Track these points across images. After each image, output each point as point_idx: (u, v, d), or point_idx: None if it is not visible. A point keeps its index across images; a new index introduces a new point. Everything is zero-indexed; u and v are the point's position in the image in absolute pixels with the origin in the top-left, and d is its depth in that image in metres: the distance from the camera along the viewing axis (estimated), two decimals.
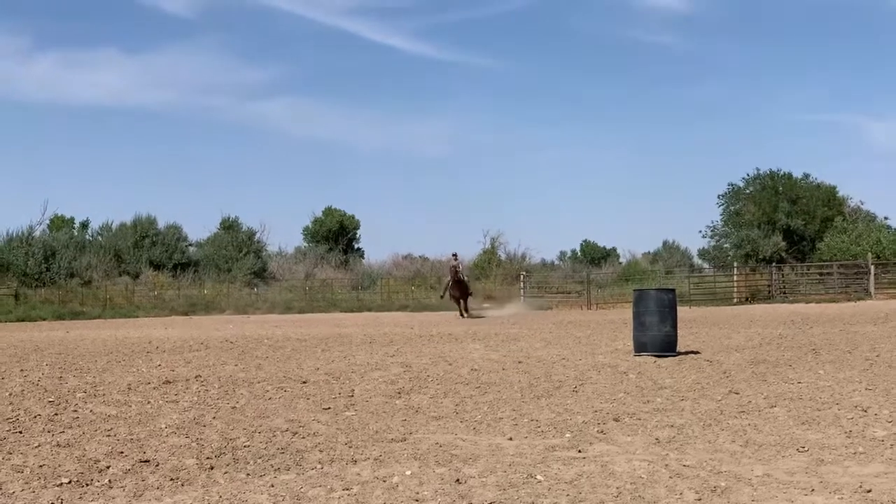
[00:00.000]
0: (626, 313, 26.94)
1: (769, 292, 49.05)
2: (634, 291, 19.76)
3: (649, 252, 71.57)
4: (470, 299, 40.82)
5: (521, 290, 54.84)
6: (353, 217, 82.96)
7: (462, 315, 38.99)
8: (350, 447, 9.46)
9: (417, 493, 7.46)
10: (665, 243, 72.28)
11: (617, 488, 7.50)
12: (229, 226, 75.04)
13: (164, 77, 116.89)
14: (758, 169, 61.35)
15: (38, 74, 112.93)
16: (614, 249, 79.34)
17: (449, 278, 40.15)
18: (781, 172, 60.49)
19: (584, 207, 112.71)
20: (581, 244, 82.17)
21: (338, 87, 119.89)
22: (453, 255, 42.19)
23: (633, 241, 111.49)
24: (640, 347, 18.55)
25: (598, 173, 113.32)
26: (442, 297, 42.23)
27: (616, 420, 10.94)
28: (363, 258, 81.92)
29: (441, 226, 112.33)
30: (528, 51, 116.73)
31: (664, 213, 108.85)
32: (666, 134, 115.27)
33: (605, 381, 14.59)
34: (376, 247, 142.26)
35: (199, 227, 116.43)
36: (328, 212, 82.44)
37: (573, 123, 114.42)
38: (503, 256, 69.27)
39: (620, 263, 69.61)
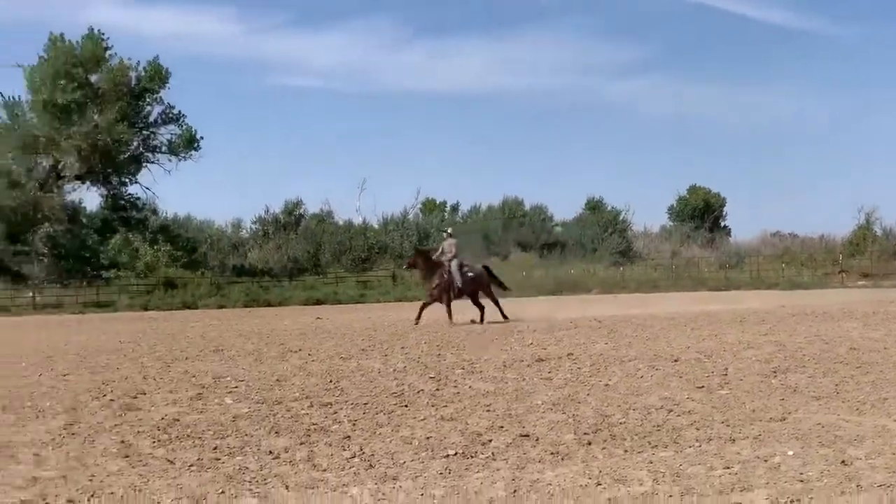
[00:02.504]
0: None
1: None
2: None
3: None
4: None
5: None
6: (718, 194, 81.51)
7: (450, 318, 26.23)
8: (727, 426, 9.32)
9: (801, 473, 7.26)
10: None
11: None
12: (594, 206, 75.60)
13: (526, 61, 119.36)
14: None
15: (407, 64, 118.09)
16: None
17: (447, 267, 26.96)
18: None
19: None
20: None
21: (700, 64, 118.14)
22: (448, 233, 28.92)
23: None
24: None
25: None
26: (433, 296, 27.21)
27: None
28: (730, 236, 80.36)
29: (810, 201, 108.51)
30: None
31: None
32: None
33: None
34: (744, 224, 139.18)
35: (564, 208, 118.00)
36: (693, 190, 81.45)
37: None
38: (879, 232, 66.01)
39: None
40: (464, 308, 27.23)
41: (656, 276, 60.48)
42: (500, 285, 28.55)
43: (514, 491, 7.08)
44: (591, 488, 7.10)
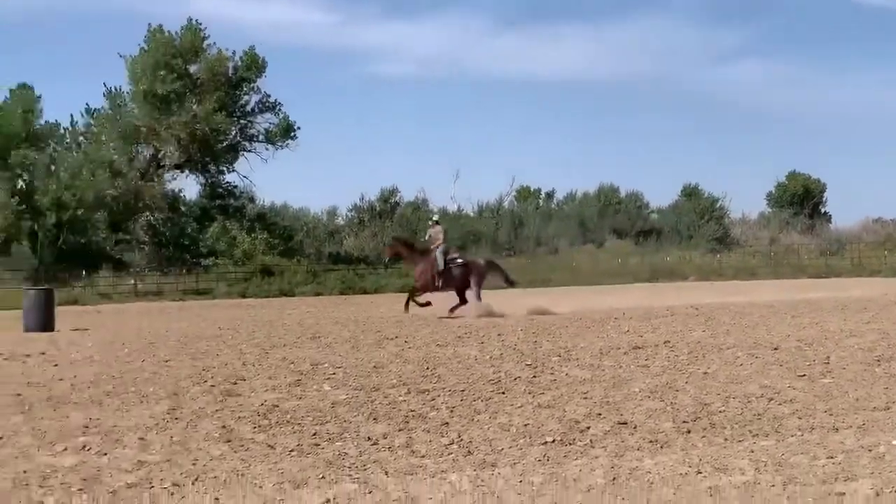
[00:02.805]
0: None
1: None
2: None
3: None
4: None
5: None
6: (818, 180, 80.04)
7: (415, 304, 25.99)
8: (830, 415, 9.18)
9: None
10: None
11: None
12: (690, 192, 74.79)
13: (624, 47, 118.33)
14: None
15: (503, 51, 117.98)
16: None
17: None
18: None
19: None
20: None
21: (800, 48, 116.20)
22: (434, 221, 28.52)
23: None
24: None
25: None
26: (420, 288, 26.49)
27: None
28: (830, 222, 78.87)
29: None
30: None
31: None
32: None
33: None
34: (845, 210, 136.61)
35: (660, 195, 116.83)
36: (792, 176, 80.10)
37: None
38: None
39: None
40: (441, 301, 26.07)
41: (754, 264, 59.66)
42: (507, 279, 27.75)
43: (614, 479, 7.05)
44: (691, 477, 7.04)
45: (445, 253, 25.89)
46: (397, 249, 27.42)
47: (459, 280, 25.66)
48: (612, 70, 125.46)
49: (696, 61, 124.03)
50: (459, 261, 25.99)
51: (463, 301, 25.53)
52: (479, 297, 25.50)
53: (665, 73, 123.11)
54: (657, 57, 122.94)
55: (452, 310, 24.97)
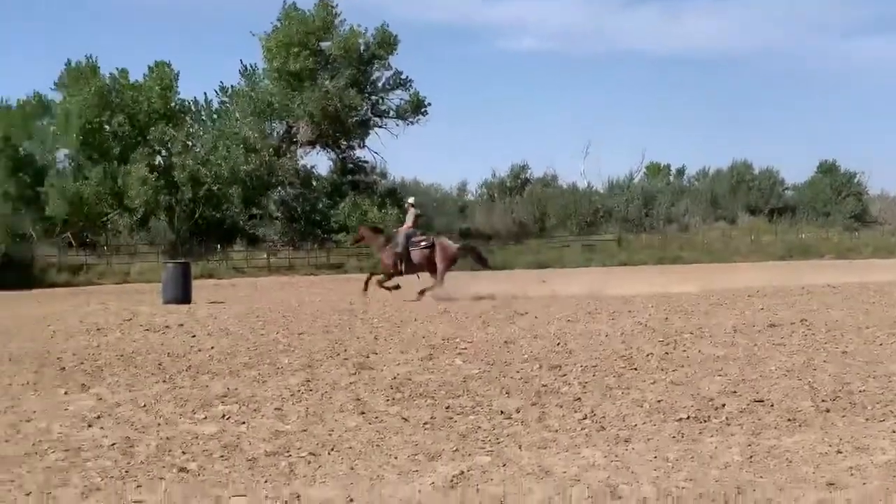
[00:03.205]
0: None
1: None
2: None
3: None
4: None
5: None
6: None
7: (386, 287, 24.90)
8: None
9: None
10: None
11: None
12: (827, 169, 72.97)
13: (757, 21, 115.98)
14: None
15: (636, 26, 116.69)
16: None
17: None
18: None
19: None
20: None
21: None
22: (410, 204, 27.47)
23: None
24: None
25: None
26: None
27: None
28: None
29: None
30: None
31: None
32: None
33: None
34: None
35: (795, 171, 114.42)
36: None
37: None
38: None
39: None
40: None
41: (894, 242, 58.07)
42: (480, 260, 27.05)
43: (751, 457, 6.96)
44: (830, 456, 6.91)
45: (409, 236, 25.13)
46: (363, 234, 27.32)
47: (423, 263, 24.85)
48: (746, 43, 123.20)
49: (835, 34, 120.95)
50: (423, 243, 25.16)
51: (434, 282, 24.74)
52: (441, 279, 24.86)
53: (801, 46, 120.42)
54: (792, 30, 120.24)
55: (421, 293, 24.09)
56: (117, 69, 55.52)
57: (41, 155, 52.96)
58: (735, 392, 9.35)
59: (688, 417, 8.31)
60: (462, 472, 6.81)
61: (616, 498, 6.16)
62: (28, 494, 6.45)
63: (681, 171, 78.22)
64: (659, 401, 9.02)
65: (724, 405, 8.75)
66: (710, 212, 67.34)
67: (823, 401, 8.85)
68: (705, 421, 8.19)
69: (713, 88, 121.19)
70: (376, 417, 8.64)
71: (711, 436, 7.68)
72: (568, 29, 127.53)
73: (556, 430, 8.03)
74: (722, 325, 15.10)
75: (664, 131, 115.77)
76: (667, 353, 12.15)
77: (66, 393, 10.19)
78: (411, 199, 28.71)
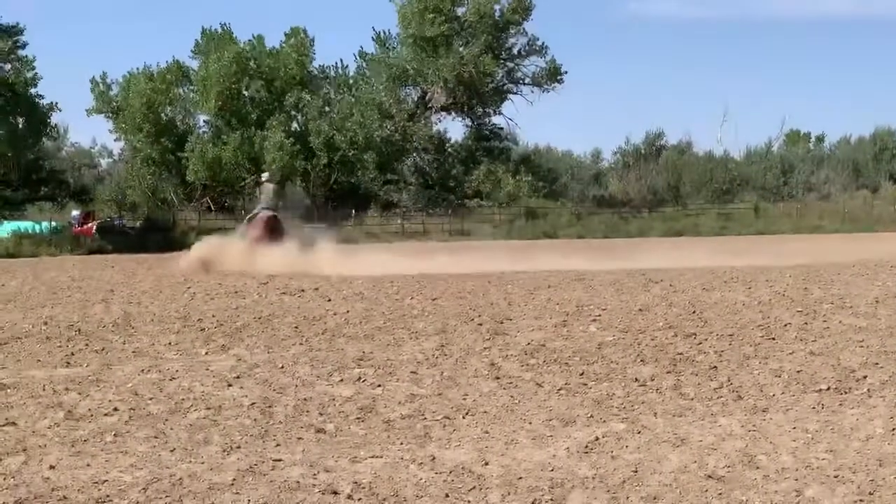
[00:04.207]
0: None
1: None
2: None
3: None
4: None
5: None
6: None
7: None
8: None
9: None
10: None
11: None
12: None
13: None
14: None
15: None
16: None
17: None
18: None
19: None
20: None
21: None
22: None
23: None
24: None
25: None
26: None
27: None
28: None
29: None
30: None
31: None
32: None
33: None
34: None
35: None
36: None
37: None
38: None
39: None
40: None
41: None
42: (274, 231, 24.80)
43: (893, 429, 6.82)
44: None
45: (270, 216, 24.74)
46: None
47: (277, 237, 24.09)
48: (890, 5, 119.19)
49: None
50: (260, 215, 24.93)
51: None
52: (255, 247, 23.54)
53: None
54: None
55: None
56: (253, 35, 56.30)
57: (182, 121, 54.27)
58: (877, 364, 9.14)
59: (828, 388, 8.16)
60: (597, 439, 6.81)
61: (754, 468, 6.09)
62: (172, 451, 6.65)
63: (820, 139, 76.43)
64: (798, 371, 8.87)
65: (865, 377, 8.56)
66: (852, 180, 65.65)
67: None
68: (846, 392, 8.03)
69: (855, 53, 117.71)
70: (510, 382, 8.68)
71: (853, 408, 7.53)
72: None
73: (692, 399, 7.96)
74: (863, 296, 14.74)
75: (804, 98, 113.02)
76: (806, 323, 11.92)
77: (206, 353, 10.45)
78: (266, 174, 28.41)
